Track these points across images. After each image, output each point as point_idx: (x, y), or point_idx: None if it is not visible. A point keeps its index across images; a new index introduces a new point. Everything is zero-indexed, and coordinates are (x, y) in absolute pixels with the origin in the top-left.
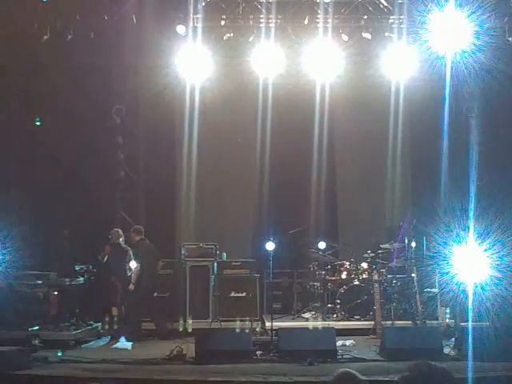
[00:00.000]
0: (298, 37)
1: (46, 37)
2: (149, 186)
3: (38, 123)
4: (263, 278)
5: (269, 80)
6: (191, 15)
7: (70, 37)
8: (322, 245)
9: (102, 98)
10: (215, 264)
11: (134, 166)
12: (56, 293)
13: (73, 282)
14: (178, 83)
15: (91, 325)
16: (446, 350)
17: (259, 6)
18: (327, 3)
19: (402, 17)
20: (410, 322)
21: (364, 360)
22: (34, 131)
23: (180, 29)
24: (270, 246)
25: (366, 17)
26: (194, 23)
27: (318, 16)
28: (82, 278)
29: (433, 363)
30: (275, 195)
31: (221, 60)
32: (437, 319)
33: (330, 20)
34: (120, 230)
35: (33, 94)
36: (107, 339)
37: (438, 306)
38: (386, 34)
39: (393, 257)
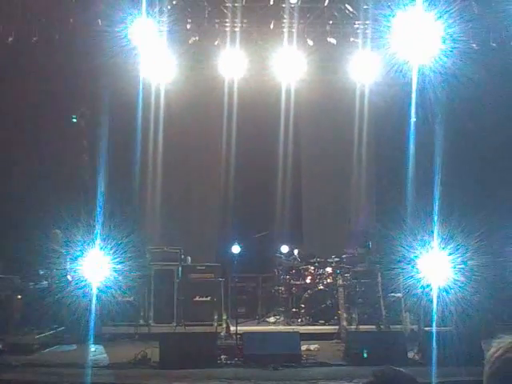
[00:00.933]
0: (263, 41)
1: (11, 38)
2: (113, 190)
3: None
4: (228, 282)
5: (234, 83)
6: (157, 18)
7: (35, 39)
8: (284, 248)
9: (67, 100)
10: (180, 268)
11: (99, 169)
12: (19, 297)
13: (37, 286)
14: (144, 85)
15: (55, 329)
16: (410, 355)
17: (225, 10)
18: (293, 8)
19: (367, 22)
20: (374, 326)
21: (328, 364)
22: None
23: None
24: (236, 249)
25: (331, 22)
26: (159, 26)
27: (284, 21)
28: (46, 282)
29: (397, 369)
30: (240, 199)
31: (186, 63)
32: (401, 324)
33: (295, 25)
34: None
35: None
36: (71, 343)
37: (402, 311)
38: (352, 40)
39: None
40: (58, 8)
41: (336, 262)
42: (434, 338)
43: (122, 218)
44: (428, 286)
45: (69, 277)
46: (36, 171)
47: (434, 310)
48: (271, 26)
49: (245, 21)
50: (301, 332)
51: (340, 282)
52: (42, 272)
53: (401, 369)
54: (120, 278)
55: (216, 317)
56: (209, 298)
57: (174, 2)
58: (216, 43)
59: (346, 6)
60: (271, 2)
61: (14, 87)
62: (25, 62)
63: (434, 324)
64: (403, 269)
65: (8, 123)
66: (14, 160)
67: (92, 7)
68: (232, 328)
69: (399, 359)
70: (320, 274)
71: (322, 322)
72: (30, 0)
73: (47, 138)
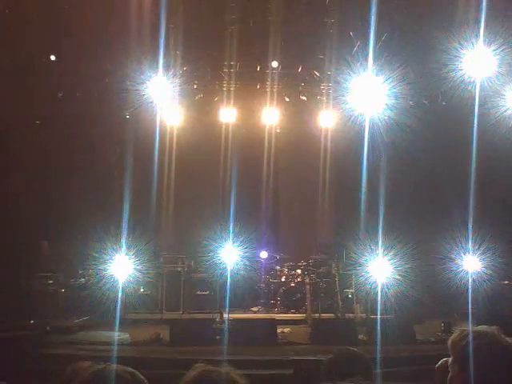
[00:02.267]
0: (251, 97)
1: (60, 94)
2: (135, 209)
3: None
4: (222, 279)
5: (229, 127)
6: (171, 79)
7: (79, 94)
8: (263, 254)
9: (102, 141)
10: (185, 269)
11: (125, 193)
12: (63, 290)
13: (76, 282)
14: (160, 129)
15: (90, 315)
16: (360, 337)
17: (223, 74)
18: (274, 73)
19: (330, 84)
20: (333, 314)
21: (298, 343)
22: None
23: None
24: (229, 257)
25: (303, 84)
26: (173, 85)
27: (267, 82)
28: (83, 279)
29: (351, 348)
30: (234, 216)
31: (193, 113)
32: (353, 312)
33: (275, 85)
34: None
35: (50, 138)
36: (102, 326)
37: (354, 303)
38: (318, 97)
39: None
40: (97, 70)
41: (304, 265)
42: (378, 323)
43: (141, 230)
44: (374, 283)
45: None
46: (80, 194)
47: (378, 301)
48: (258, 86)
49: (238, 82)
50: (277, 318)
51: (307, 280)
52: (80, 271)
53: (354, 348)
54: (140, 275)
55: (212, 306)
56: (207, 292)
57: (185, 68)
58: (216, 99)
59: (314, 71)
60: (258, 69)
61: (63, 131)
62: (71, 112)
63: (378, 313)
64: (355, 270)
65: (61, 158)
66: (68, 187)
67: (122, 70)
68: (225, 315)
69: (352, 340)
70: (292, 275)
71: (293, 311)
72: (75, 64)
73: (90, 169)
